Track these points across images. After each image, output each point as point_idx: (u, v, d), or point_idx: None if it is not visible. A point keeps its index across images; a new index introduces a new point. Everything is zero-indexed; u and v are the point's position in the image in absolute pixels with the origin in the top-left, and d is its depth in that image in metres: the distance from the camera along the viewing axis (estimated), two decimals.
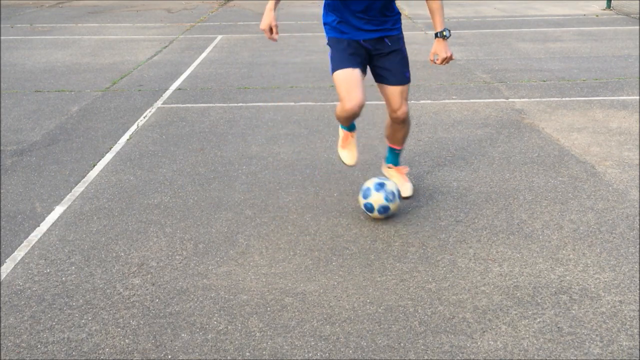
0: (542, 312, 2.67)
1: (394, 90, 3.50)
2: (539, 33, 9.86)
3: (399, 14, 3.48)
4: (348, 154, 3.80)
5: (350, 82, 3.32)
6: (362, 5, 3.30)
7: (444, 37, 3.34)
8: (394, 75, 3.49)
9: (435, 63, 3.41)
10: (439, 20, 3.37)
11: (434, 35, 3.40)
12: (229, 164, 4.46)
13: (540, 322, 2.61)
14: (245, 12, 13.16)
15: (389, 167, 3.92)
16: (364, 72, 3.45)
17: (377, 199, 3.45)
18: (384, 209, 3.47)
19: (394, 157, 3.90)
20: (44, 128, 5.35)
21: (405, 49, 3.54)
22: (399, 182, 3.81)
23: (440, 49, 3.37)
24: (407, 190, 3.81)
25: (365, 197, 3.49)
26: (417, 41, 9.08)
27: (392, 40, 3.44)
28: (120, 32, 10.65)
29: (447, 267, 3.05)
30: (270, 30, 3.23)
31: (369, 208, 3.48)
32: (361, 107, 3.35)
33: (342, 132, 3.82)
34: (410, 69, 3.57)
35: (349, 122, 3.61)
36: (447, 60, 3.37)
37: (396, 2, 3.43)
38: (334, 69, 3.40)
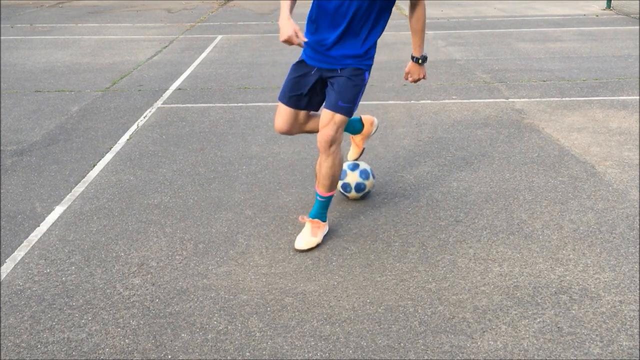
0: (542, 312, 2.67)
1: (324, 110, 3.19)
2: (539, 33, 9.86)
3: (369, 53, 3.19)
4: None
5: (280, 115, 3.37)
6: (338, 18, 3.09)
7: (418, 63, 3.33)
8: (329, 98, 3.19)
9: (407, 80, 3.44)
10: (417, 44, 3.30)
11: (410, 57, 3.34)
12: (229, 164, 4.46)
13: (540, 322, 2.61)
14: (245, 12, 13.17)
15: (303, 218, 3.37)
16: (312, 106, 3.34)
17: (352, 178, 3.71)
18: (360, 187, 3.73)
19: (316, 206, 3.33)
20: (44, 128, 5.35)
21: (359, 82, 3.17)
22: (304, 231, 3.29)
23: (414, 71, 3.38)
24: (302, 243, 3.25)
25: (340, 178, 3.62)
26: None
27: (345, 70, 3.16)
28: (120, 32, 10.65)
29: (447, 267, 3.05)
30: (297, 36, 2.88)
31: (346, 188, 3.73)
32: (283, 133, 3.42)
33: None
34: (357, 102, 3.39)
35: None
36: (418, 80, 3.44)
37: (395, 2, 3.31)
38: (278, 97, 3.37)
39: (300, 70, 3.28)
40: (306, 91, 3.27)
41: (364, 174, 3.73)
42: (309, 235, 3.28)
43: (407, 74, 3.40)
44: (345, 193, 3.77)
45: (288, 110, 3.34)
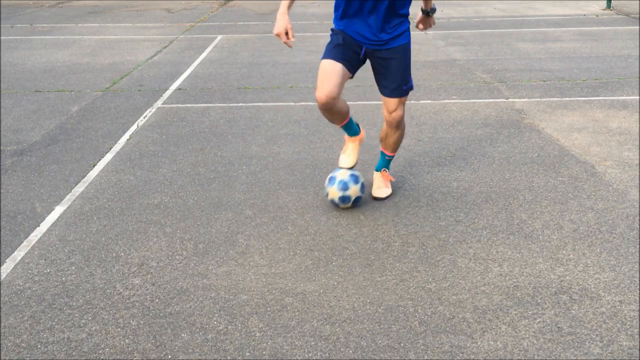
0: (542, 312, 2.67)
1: (390, 98, 3.54)
2: (539, 33, 9.86)
3: (406, 18, 3.44)
4: (343, 158, 3.77)
5: (326, 73, 3.32)
6: (367, 6, 3.30)
7: (427, 15, 3.65)
8: (390, 87, 3.50)
9: (418, 28, 3.73)
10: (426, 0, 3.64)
11: (420, 11, 3.66)
12: (229, 164, 4.46)
13: (540, 322, 2.61)
14: (245, 12, 13.17)
15: (375, 172, 3.94)
16: (350, 68, 3.40)
17: (354, 190, 3.61)
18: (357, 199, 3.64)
19: (383, 162, 3.88)
20: (44, 128, 5.35)
21: (408, 56, 3.49)
22: (377, 184, 3.86)
23: (425, 22, 3.69)
24: (380, 192, 3.84)
25: (344, 189, 3.59)
26: (417, 41, 9.07)
27: (392, 51, 3.43)
28: (120, 32, 10.65)
29: (447, 267, 3.05)
30: (286, 34, 3.13)
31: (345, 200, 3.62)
32: (329, 98, 3.30)
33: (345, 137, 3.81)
34: (411, 68, 3.55)
35: (326, 116, 3.51)
36: (429, 28, 3.74)
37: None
38: (322, 58, 3.41)
39: (339, 35, 3.46)
40: (350, 50, 3.45)
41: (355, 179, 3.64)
42: (383, 186, 3.86)
43: (418, 23, 3.69)
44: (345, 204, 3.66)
45: (337, 66, 3.37)
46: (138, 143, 4.93)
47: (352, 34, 3.39)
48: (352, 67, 3.42)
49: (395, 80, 3.47)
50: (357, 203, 3.67)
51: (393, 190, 3.93)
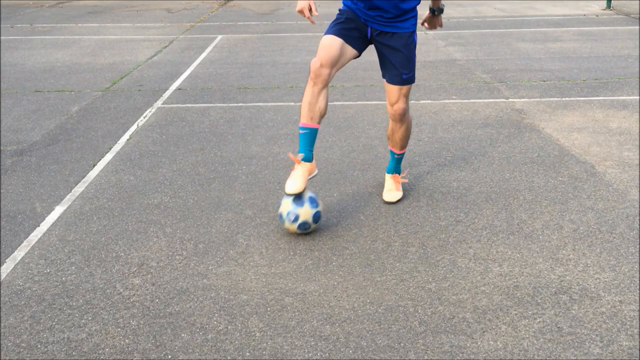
0: (542, 312, 2.67)
1: (391, 86, 3.50)
2: (539, 33, 9.87)
3: (414, 11, 3.42)
4: (289, 182, 3.28)
5: (324, 45, 3.26)
6: None
7: (434, 14, 3.66)
8: (390, 73, 3.47)
9: (423, 26, 3.74)
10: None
11: (428, 9, 3.66)
12: (229, 164, 4.46)
13: (540, 322, 2.61)
14: (245, 12, 13.17)
15: (387, 173, 3.91)
16: (352, 44, 3.34)
17: (306, 212, 3.29)
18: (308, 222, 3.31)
19: (393, 163, 3.85)
20: (44, 128, 5.35)
21: (412, 48, 3.45)
22: (388, 187, 3.82)
23: (430, 21, 3.70)
24: (390, 196, 3.78)
25: (295, 220, 3.28)
26: (417, 41, 9.07)
27: (396, 38, 3.40)
28: (120, 32, 10.65)
29: (447, 267, 3.05)
30: (309, 10, 3.19)
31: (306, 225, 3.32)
32: (323, 67, 3.20)
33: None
34: (415, 63, 3.52)
35: (308, 96, 3.26)
36: (435, 29, 3.75)
37: None
38: (324, 34, 3.36)
39: (345, 13, 3.43)
40: (355, 28, 3.40)
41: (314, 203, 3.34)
42: (394, 189, 3.81)
43: (424, 22, 3.69)
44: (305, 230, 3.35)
45: (336, 40, 3.32)
46: (138, 143, 4.93)
47: (358, 12, 3.35)
48: (354, 43, 3.35)
49: (397, 66, 3.42)
50: (317, 219, 3.34)
51: None
